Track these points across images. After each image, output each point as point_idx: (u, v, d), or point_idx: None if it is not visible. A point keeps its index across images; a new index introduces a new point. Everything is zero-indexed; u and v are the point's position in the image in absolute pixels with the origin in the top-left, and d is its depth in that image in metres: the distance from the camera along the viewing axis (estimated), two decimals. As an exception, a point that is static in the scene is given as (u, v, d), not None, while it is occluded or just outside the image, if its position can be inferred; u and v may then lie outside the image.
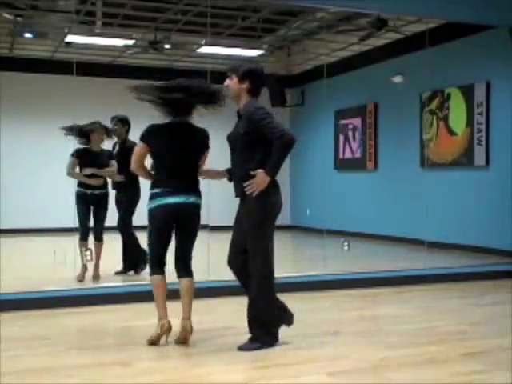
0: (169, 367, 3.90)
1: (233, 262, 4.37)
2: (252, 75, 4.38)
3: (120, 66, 11.55)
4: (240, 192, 4.28)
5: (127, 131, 7.19)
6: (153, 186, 4.39)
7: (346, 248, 7.82)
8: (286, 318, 4.45)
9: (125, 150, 6.80)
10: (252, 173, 4.19)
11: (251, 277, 4.25)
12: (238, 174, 4.33)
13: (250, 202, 4.22)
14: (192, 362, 4.01)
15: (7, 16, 9.27)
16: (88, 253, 6.77)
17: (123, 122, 7.15)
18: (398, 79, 10.50)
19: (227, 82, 4.44)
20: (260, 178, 4.17)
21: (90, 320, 5.29)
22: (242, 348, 4.20)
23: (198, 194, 4.42)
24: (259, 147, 4.24)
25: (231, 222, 4.43)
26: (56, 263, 6.79)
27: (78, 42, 10.06)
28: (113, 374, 3.71)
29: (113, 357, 4.02)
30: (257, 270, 4.21)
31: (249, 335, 4.30)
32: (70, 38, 9.97)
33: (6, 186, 10.38)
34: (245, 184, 4.20)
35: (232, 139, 4.37)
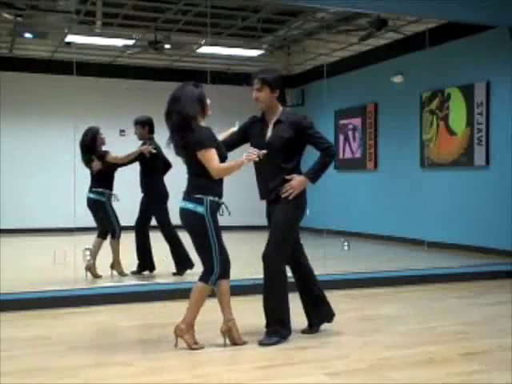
0: (169, 367, 3.90)
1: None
2: (281, 83, 4.50)
3: (120, 66, 11.56)
4: (275, 194, 4.40)
5: (149, 132, 7.06)
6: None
7: (346, 248, 7.83)
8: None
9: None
10: (288, 177, 4.35)
11: (265, 264, 4.35)
12: (273, 177, 4.39)
13: (286, 200, 4.37)
14: (192, 361, 4.01)
15: (7, 16, 9.28)
16: (88, 252, 6.78)
17: (143, 124, 7.07)
18: (397, 79, 10.50)
19: (256, 94, 4.43)
20: (299, 183, 4.36)
21: (90, 320, 5.29)
22: (262, 343, 4.29)
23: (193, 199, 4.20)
24: (296, 153, 4.46)
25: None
26: (56, 263, 6.79)
27: (78, 42, 10.06)
28: (113, 374, 3.71)
29: (113, 357, 4.02)
30: (273, 259, 4.31)
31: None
32: (69, 38, 9.97)
33: (6, 186, 10.39)
34: (281, 188, 4.34)
35: (269, 144, 4.37)
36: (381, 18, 9.02)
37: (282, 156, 4.38)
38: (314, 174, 4.45)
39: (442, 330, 4.86)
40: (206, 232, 4.12)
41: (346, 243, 7.85)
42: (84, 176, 7.01)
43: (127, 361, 3.95)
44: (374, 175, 11.48)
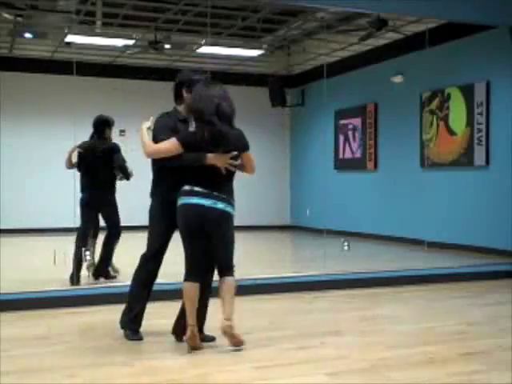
0: (169, 367, 3.90)
1: None
2: None
3: (120, 66, 11.57)
4: None
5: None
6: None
7: (346, 248, 7.82)
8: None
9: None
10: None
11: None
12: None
13: None
14: (192, 361, 4.01)
15: (7, 16, 9.28)
16: (88, 252, 6.77)
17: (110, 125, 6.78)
18: (397, 79, 10.50)
19: None
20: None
21: (90, 320, 5.29)
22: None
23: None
24: None
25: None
26: (56, 263, 6.77)
27: (78, 42, 10.06)
28: (113, 374, 3.71)
29: (113, 357, 4.02)
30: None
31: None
32: (69, 38, 9.97)
33: (6, 186, 10.39)
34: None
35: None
36: (381, 18, 9.02)
37: None
38: None
39: (442, 330, 4.86)
40: (233, 229, 4.25)
41: (345, 243, 7.84)
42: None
43: (127, 361, 3.95)
44: (374, 175, 11.48)
